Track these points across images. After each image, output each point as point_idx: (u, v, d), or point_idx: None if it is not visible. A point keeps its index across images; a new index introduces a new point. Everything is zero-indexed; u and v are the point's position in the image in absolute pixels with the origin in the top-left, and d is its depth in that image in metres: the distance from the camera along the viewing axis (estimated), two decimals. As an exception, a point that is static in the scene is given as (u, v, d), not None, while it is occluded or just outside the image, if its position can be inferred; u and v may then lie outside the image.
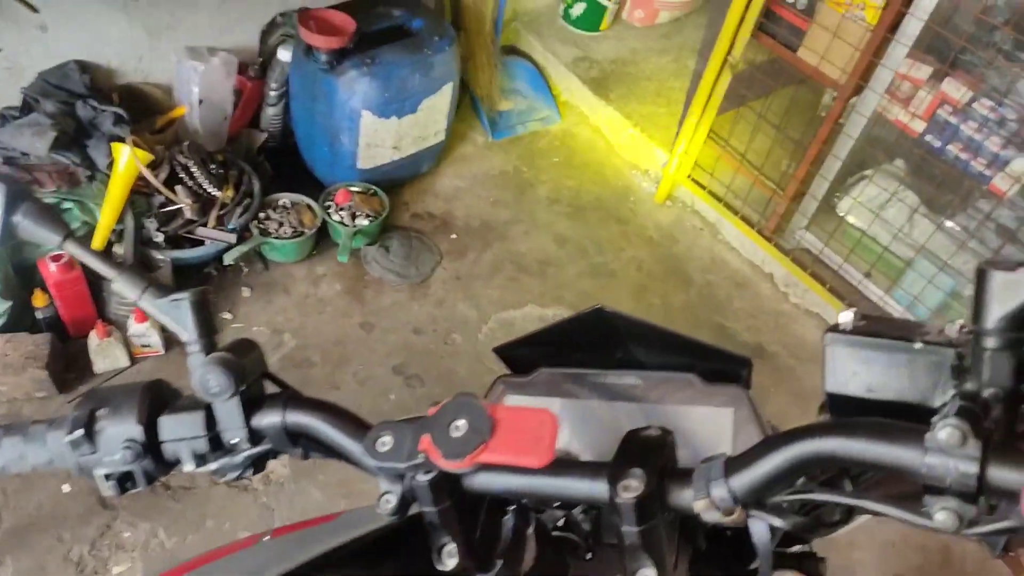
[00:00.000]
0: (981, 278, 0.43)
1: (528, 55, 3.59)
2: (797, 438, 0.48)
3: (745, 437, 0.66)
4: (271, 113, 2.83)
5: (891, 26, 2.25)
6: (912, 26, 2.23)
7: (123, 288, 0.69)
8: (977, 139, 2.20)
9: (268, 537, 0.78)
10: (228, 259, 2.44)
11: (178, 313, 0.63)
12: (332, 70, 2.54)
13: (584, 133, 3.40)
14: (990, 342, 0.42)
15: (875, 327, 0.48)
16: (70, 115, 2.34)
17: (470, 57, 3.20)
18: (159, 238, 2.35)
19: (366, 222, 2.66)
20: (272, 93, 2.78)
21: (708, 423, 0.68)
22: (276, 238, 2.55)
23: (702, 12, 3.74)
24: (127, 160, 2.21)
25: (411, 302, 2.59)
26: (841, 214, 2.62)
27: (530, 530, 0.65)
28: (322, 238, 2.68)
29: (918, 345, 0.45)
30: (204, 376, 0.59)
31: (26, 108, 2.33)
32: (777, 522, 0.50)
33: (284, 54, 2.72)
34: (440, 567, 0.57)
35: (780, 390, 2.49)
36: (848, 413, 0.49)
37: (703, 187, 2.95)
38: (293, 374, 2.32)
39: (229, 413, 0.61)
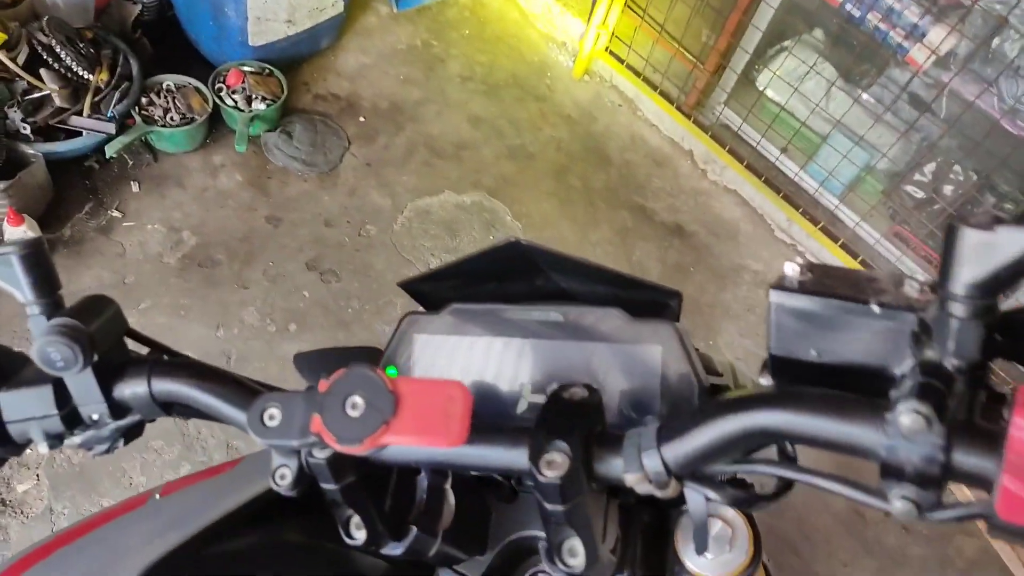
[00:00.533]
0: (951, 236, 0.36)
1: (432, -87, 3.28)
2: (739, 408, 0.43)
3: (674, 378, 0.61)
4: (144, -19, 2.50)
5: None
6: None
7: None
8: (896, 8, 2.15)
9: (159, 495, 0.70)
10: (110, 151, 2.20)
11: (8, 271, 0.51)
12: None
13: (496, 2, 3.18)
14: (958, 309, 0.36)
15: (824, 281, 0.42)
16: None
17: (368, -85, 2.89)
18: (26, 130, 2.09)
19: (263, 106, 2.44)
20: (143, -43, 2.45)
21: (635, 362, 0.62)
22: (163, 126, 2.31)
23: None
24: (-25, 40, 1.91)
25: (320, 192, 2.43)
26: (760, 88, 2.57)
27: (447, 483, 0.59)
28: (216, 125, 2.45)
29: (876, 308, 0.39)
30: (44, 348, 0.49)
31: None
32: (713, 495, 0.46)
33: (152, -90, 2.38)
34: (349, 541, 0.52)
35: (699, 268, 2.52)
36: (793, 377, 0.44)
37: (621, 61, 2.84)
38: (196, 274, 2.17)
39: (83, 386, 0.52)
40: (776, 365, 0.45)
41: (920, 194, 2.43)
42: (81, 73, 2.19)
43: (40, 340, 0.50)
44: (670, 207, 2.66)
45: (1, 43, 1.97)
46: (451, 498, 0.59)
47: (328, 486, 0.51)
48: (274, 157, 2.46)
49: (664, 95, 2.77)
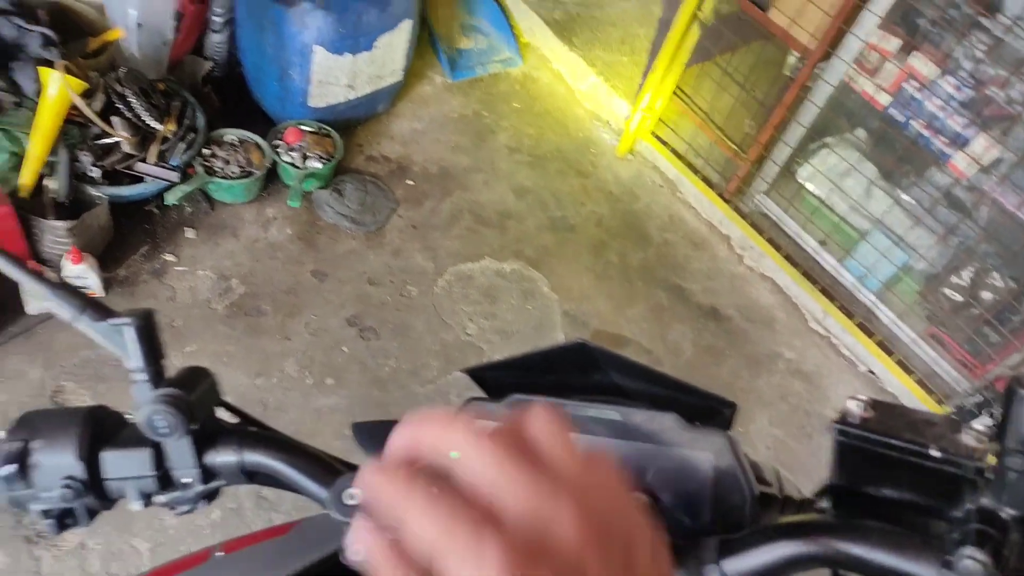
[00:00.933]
0: (1010, 396, 0.40)
1: (490, -9, 3.43)
2: (802, 533, 0.46)
3: (725, 485, 0.63)
4: (216, 40, 2.64)
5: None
6: (886, -5, 2.20)
7: (56, 308, 0.60)
8: (940, 116, 2.21)
9: (220, 552, 0.73)
10: (171, 198, 2.29)
11: (120, 339, 0.55)
12: (282, 0, 2.37)
13: (545, 78, 3.30)
14: (1015, 463, 0.41)
15: (886, 420, 0.46)
16: (-7, 33, 2.12)
17: (431, -9, 3.04)
18: (95, 173, 2.18)
19: (318, 164, 2.53)
20: (217, 19, 2.58)
21: (687, 467, 0.65)
22: (223, 177, 2.40)
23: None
24: (58, 87, 2.02)
25: (366, 251, 2.50)
26: (801, 181, 2.63)
27: None
28: (271, 179, 2.55)
29: (935, 453, 0.43)
30: (152, 417, 0.53)
31: (-59, 21, 2.09)
32: None
33: (230, -26, 2.52)
34: None
35: (733, 352, 2.54)
36: (851, 505, 0.47)
37: (665, 143, 2.92)
38: (243, 323, 2.22)
39: (180, 452, 0.56)
40: (835, 493, 0.48)
41: (958, 297, 2.44)
42: (150, 123, 2.29)
43: (147, 408, 0.53)
44: (706, 289, 2.70)
45: (82, 91, 2.07)
46: None
47: None
48: (324, 214, 2.54)
49: (705, 180, 2.84)
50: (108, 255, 2.23)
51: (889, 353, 2.47)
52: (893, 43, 2.29)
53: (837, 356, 2.63)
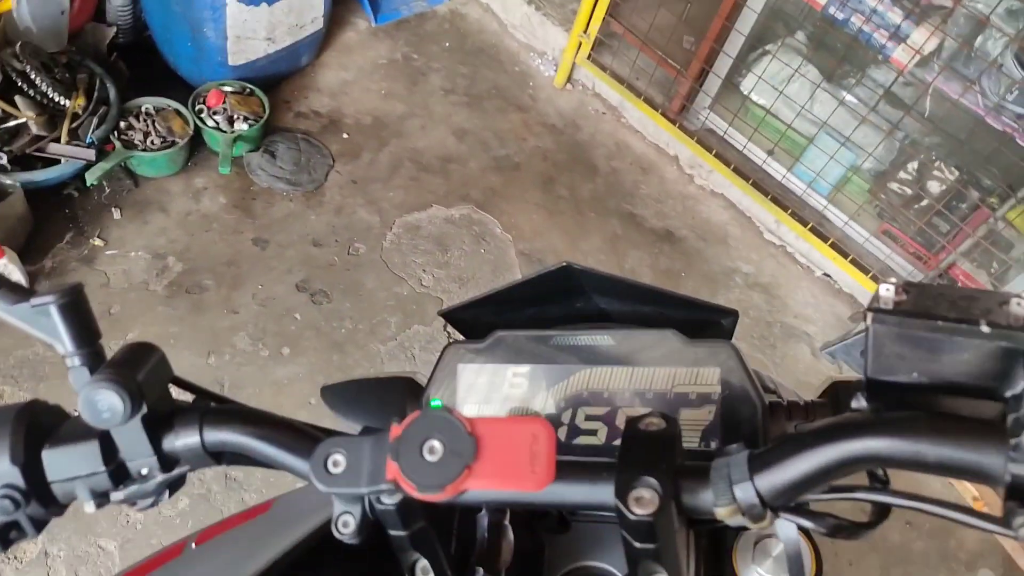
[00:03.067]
0: None
1: (406, -75, 3.26)
2: (843, 435, 0.41)
3: (735, 399, 0.59)
4: (117, 3, 2.46)
5: None
6: None
7: None
8: (879, 10, 2.17)
9: (194, 544, 0.67)
10: (90, 178, 2.15)
11: (46, 321, 0.48)
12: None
13: (474, 13, 3.17)
14: None
15: (923, 302, 0.40)
16: None
17: (342, -71, 2.86)
18: (2, 159, 2.03)
19: (245, 126, 2.40)
20: (116, -21, 2.40)
21: (694, 385, 0.61)
22: (144, 150, 2.26)
23: None
24: (-54, 69, 1.86)
25: (306, 211, 2.39)
26: (745, 92, 2.58)
27: (506, 519, 0.58)
28: (197, 147, 2.41)
29: (986, 329, 0.38)
30: (91, 400, 0.46)
31: None
32: (811, 525, 0.44)
33: (123, -69, 2.33)
34: None
35: (691, 273, 2.52)
36: (891, 401, 0.42)
37: (604, 69, 2.83)
38: (184, 301, 2.12)
39: (131, 439, 0.49)
40: (873, 388, 0.43)
41: (907, 192, 2.45)
42: (57, 99, 2.14)
43: (85, 392, 0.46)
44: (658, 213, 2.66)
45: (-26, 72, 1.91)
46: (510, 534, 0.57)
47: (397, 532, 0.49)
48: (258, 178, 2.42)
49: (648, 101, 2.77)
50: (30, 247, 2.10)
51: (844, 255, 2.47)
52: (824, -62, 2.23)
53: (793, 264, 2.63)
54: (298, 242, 2.31)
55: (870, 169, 2.47)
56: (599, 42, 2.81)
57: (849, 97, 2.41)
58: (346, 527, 0.48)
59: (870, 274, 2.45)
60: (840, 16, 2.24)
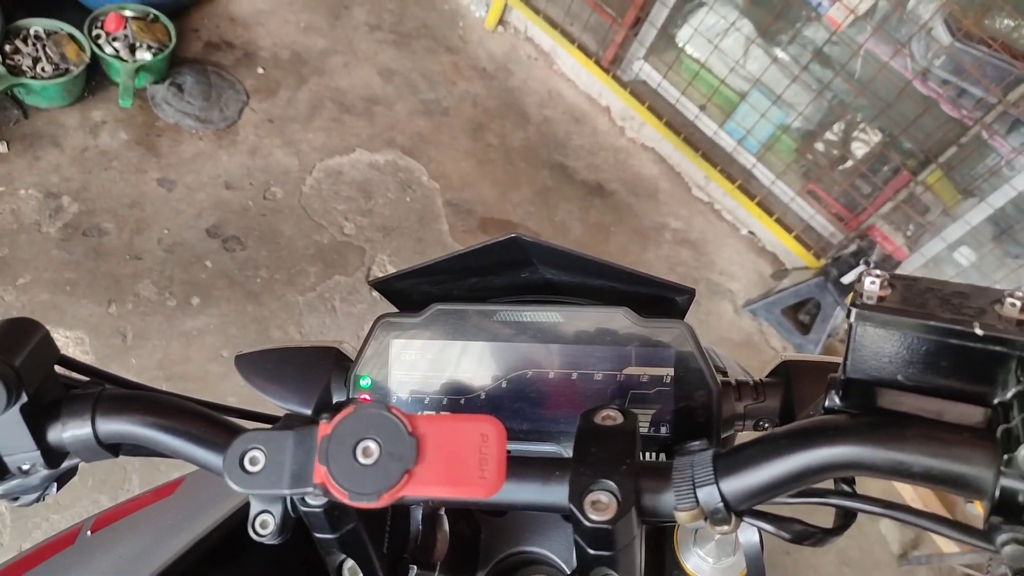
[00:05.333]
0: None
1: None
2: (821, 440, 0.37)
3: (689, 381, 0.55)
4: (-2, -92, 2.19)
5: None
6: None
7: None
8: (815, -35, 2.14)
9: (89, 532, 0.59)
10: (-30, 107, 1.94)
11: None
12: None
13: (402, -56, 2.99)
14: None
15: (910, 298, 0.37)
16: None
17: None
18: None
19: (149, 55, 2.20)
20: None
21: (646, 368, 0.56)
22: (33, 78, 2.05)
23: None
24: None
25: (218, 151, 2.23)
26: (680, 44, 2.53)
27: (441, 509, 0.53)
28: (95, 77, 2.20)
29: (979, 331, 0.34)
30: None
31: None
32: (774, 531, 0.40)
33: None
34: None
35: (620, 228, 2.49)
36: (868, 403, 0.39)
37: (538, 12, 2.73)
38: (81, 245, 1.96)
39: (10, 431, 0.43)
40: (850, 388, 0.39)
41: (833, 153, 2.47)
42: (-73, 14, 1.90)
43: None
44: (590, 165, 2.61)
45: None
46: (446, 525, 0.53)
47: (324, 535, 0.44)
48: (163, 113, 2.24)
49: (582, 49, 2.69)
50: (-100, 180, 1.89)
51: (769, 213, 2.49)
52: None
53: (720, 221, 2.64)
54: (209, 184, 2.16)
55: (798, 128, 2.49)
56: (533, -17, 2.70)
57: (782, 54, 2.40)
58: (264, 527, 0.43)
59: (793, 233, 2.48)
60: (778, -30, 2.21)
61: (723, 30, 2.37)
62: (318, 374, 0.62)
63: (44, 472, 0.45)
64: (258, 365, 0.70)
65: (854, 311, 0.36)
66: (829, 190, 2.47)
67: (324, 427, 0.37)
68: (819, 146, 2.51)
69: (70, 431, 0.44)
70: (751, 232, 2.63)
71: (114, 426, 0.45)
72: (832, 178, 2.45)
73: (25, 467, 0.45)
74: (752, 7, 2.41)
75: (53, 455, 0.45)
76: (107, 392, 0.47)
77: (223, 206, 2.13)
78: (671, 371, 0.55)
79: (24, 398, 0.42)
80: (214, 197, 2.14)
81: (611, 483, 0.39)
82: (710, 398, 0.54)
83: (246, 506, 0.52)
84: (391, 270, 2.18)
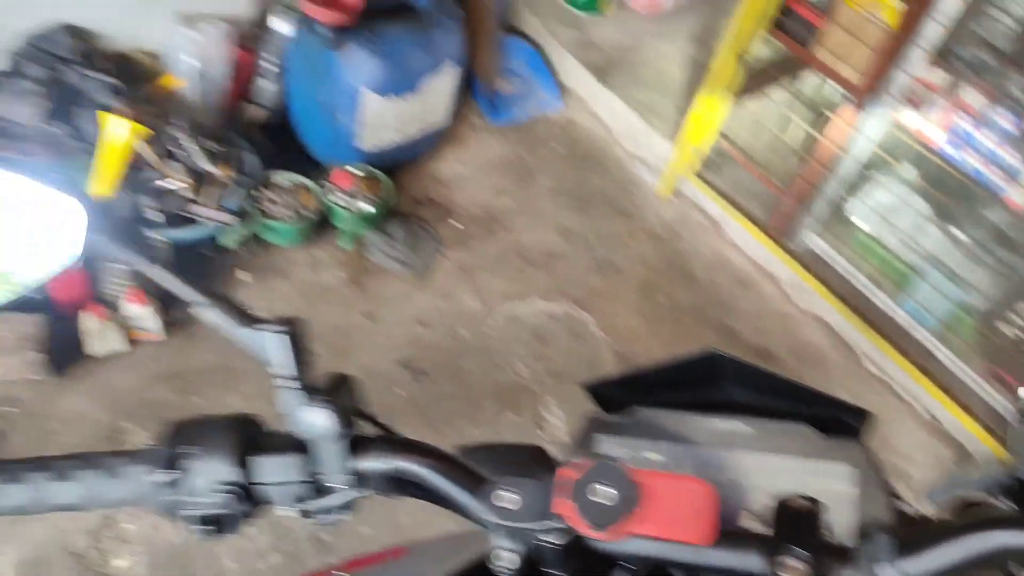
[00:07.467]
0: None
1: (527, 35, 3.49)
2: (990, 525, 0.45)
3: (869, 499, 0.61)
4: (266, 86, 2.69)
5: (910, 28, 2.23)
6: (932, 30, 2.21)
7: (215, 320, 0.62)
8: (994, 151, 2.20)
9: (339, 572, 0.72)
10: (227, 241, 2.32)
11: (274, 345, 0.57)
12: (334, 45, 2.42)
13: (584, 121, 3.33)
14: None
15: None
16: (58, 82, 2.18)
17: (471, 35, 3.09)
18: (157, 217, 2.22)
19: (367, 206, 2.55)
20: (270, 67, 2.64)
21: (827, 479, 0.63)
22: (275, 220, 2.43)
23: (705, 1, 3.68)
24: (122, 133, 2.07)
25: (415, 292, 2.50)
26: (850, 217, 2.61)
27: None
28: (321, 222, 2.57)
29: None
30: (310, 420, 0.55)
31: (11, 73, 2.16)
32: None
33: (278, 24, 2.59)
34: None
35: (785, 393, 2.49)
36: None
37: (708, 183, 2.92)
38: (294, 365, 2.22)
39: (331, 457, 0.57)
40: (1019, 489, 0.47)
41: (1019, 335, 2.40)
42: (207, 167, 2.33)
43: (303, 412, 0.55)
44: (756, 329, 2.67)
45: (147, 138, 2.12)
46: None
47: (557, 573, 0.53)
48: (374, 256, 2.56)
49: (750, 218, 2.83)
50: (166, 298, 2.25)
51: (949, 394, 2.41)
52: (942, 76, 2.29)
53: (893, 397, 2.58)
54: (405, 321, 2.41)
55: (979, 308, 2.44)
56: (703, 157, 2.91)
57: (958, 232, 2.41)
58: (508, 564, 0.52)
59: (977, 417, 2.37)
60: (952, 153, 2.28)
61: (895, 207, 2.43)
62: (527, 464, 0.73)
63: (348, 496, 0.58)
64: (477, 455, 0.84)
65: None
66: (1015, 374, 2.37)
67: (567, 472, 0.49)
68: (1003, 327, 2.44)
69: (372, 463, 0.57)
70: (933, 416, 2.53)
71: (404, 464, 0.57)
72: (1018, 361, 2.36)
73: (336, 487, 0.57)
74: (926, 184, 2.47)
75: (357, 482, 0.57)
76: (399, 439, 0.60)
77: (416, 341, 2.37)
78: (849, 487, 0.61)
79: (352, 432, 0.56)
80: (409, 332, 2.38)
81: (804, 552, 0.47)
82: (888, 515, 0.60)
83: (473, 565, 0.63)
84: (559, 413, 2.29)
